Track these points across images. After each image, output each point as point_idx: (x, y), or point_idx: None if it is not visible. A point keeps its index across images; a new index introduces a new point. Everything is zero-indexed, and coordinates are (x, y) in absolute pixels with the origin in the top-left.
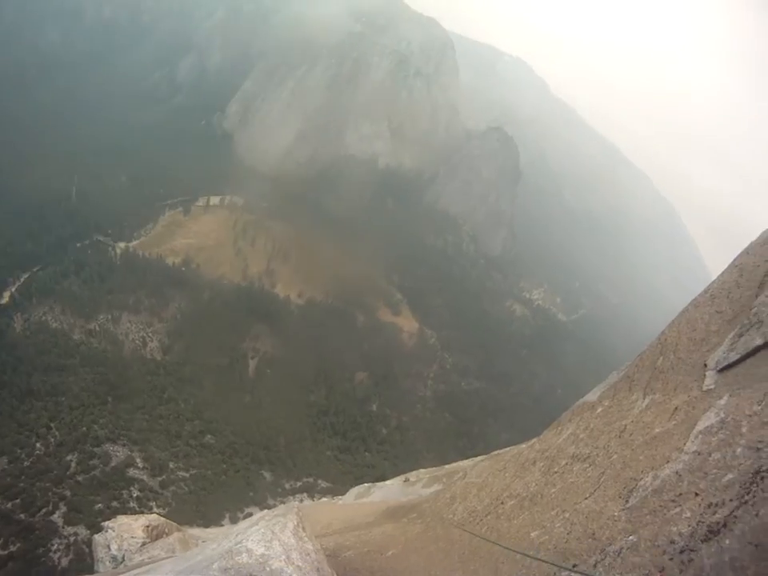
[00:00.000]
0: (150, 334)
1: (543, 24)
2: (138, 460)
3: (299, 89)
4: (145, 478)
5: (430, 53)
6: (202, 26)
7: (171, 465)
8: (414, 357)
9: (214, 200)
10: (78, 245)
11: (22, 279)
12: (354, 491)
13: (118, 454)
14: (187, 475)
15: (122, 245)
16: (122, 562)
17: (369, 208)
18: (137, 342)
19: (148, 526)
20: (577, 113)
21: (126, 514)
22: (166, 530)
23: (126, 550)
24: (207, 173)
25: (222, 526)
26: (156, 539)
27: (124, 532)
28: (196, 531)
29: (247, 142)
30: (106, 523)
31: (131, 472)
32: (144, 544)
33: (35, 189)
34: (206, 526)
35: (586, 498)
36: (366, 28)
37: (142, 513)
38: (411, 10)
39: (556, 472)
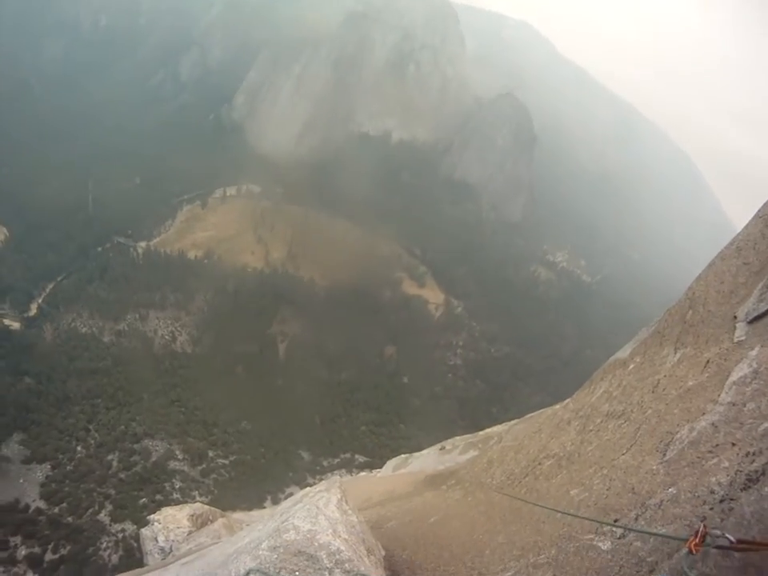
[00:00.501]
0: (178, 328)
1: None
2: (177, 452)
3: (305, 74)
4: (185, 468)
5: (434, 25)
6: (200, 21)
7: (210, 453)
8: (442, 327)
9: (231, 190)
10: (99, 249)
11: (48, 290)
12: (392, 463)
13: (157, 448)
14: (227, 462)
15: (142, 244)
16: (170, 553)
17: (385, 184)
18: (166, 337)
19: (192, 515)
20: (586, 72)
21: (170, 505)
22: (211, 517)
23: (173, 541)
24: (221, 165)
25: (265, 507)
26: (201, 527)
27: (170, 523)
28: (240, 515)
29: (258, 131)
30: (152, 516)
31: (172, 464)
32: (190, 533)
33: (51, 200)
34: (249, 509)
35: (623, 454)
36: (367, 7)
37: (186, 503)
38: None
39: (591, 430)
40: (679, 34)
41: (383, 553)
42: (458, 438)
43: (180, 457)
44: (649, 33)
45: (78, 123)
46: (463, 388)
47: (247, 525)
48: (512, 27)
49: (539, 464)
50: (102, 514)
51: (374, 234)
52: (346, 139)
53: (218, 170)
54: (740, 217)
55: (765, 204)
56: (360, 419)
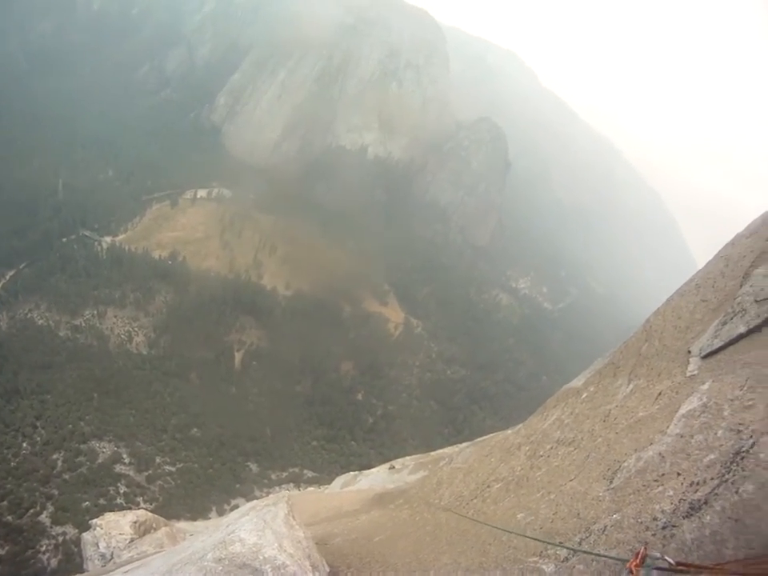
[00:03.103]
0: (135, 329)
1: (533, 16)
2: (124, 456)
3: (289, 81)
4: (131, 473)
5: (421, 45)
6: (191, 18)
7: (158, 459)
8: (400, 346)
9: (202, 192)
10: (64, 240)
11: (8, 276)
12: (341, 480)
13: (104, 450)
14: (174, 469)
15: (107, 239)
16: (110, 560)
17: (357, 199)
18: (122, 336)
19: (135, 522)
20: (566, 104)
21: (113, 510)
22: (154, 525)
23: (114, 548)
24: (195, 165)
25: (209, 519)
26: (144, 535)
27: (112, 529)
28: (183, 525)
29: (236, 134)
30: (94, 521)
31: (118, 468)
32: (132, 540)
33: (21, 183)
34: (194, 520)
35: (571, 480)
36: (358, 21)
37: (130, 509)
38: (403, 2)
39: (541, 456)
40: (669, 84)
41: (328, 569)
42: (408, 457)
43: (127, 461)
44: (633, 72)
45: (60, 105)
46: (417, 408)
47: (191, 535)
48: (497, 55)
49: (488, 487)
50: (43, 515)
51: (342, 248)
52: (323, 150)
53: (192, 171)
54: (704, 255)
55: (726, 245)
56: (311, 434)
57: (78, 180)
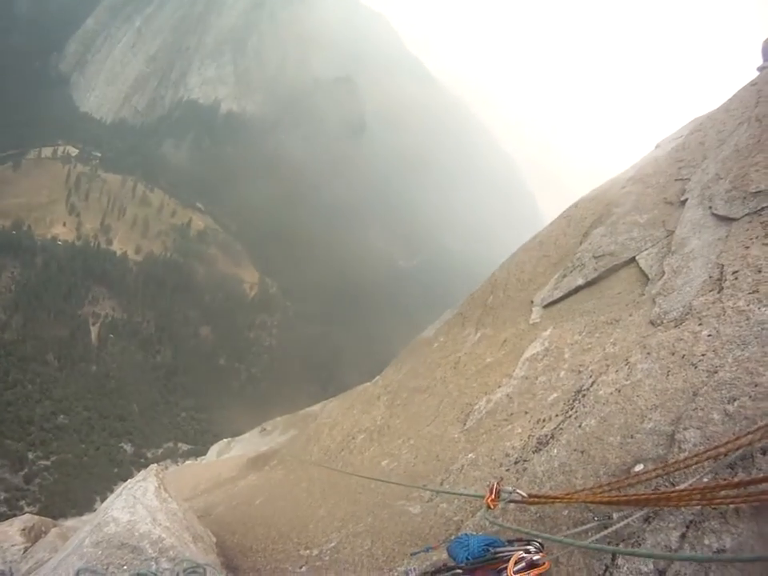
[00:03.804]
0: None
1: None
2: None
3: (145, 28)
4: (7, 475)
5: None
6: None
7: (30, 455)
8: (257, 307)
9: (46, 151)
10: None
11: None
12: (215, 448)
13: None
14: (48, 463)
15: None
16: (12, 575)
17: (208, 156)
18: None
19: (24, 529)
20: (429, 71)
21: None
22: (44, 528)
23: (11, 561)
24: (40, 120)
25: (95, 510)
26: (36, 541)
27: (2, 542)
28: (73, 522)
29: (84, 86)
30: None
31: None
32: (26, 549)
33: None
34: (81, 515)
35: (428, 425)
36: None
37: (15, 515)
38: None
39: (399, 404)
40: (531, 52)
41: (214, 539)
42: (278, 418)
43: None
44: (497, 39)
45: None
46: (280, 368)
47: None
48: (365, 15)
49: (353, 438)
50: None
51: (192, 207)
52: (174, 105)
53: (36, 126)
54: (552, 215)
55: (570, 206)
56: (179, 405)
57: None
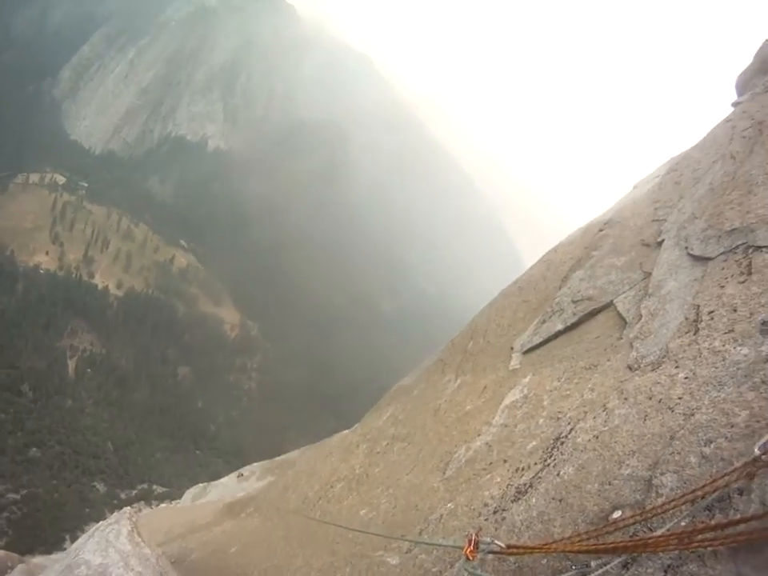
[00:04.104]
0: None
1: (392, 24)
2: None
3: (138, 60)
4: None
5: (280, 38)
6: None
7: (0, 487)
8: (237, 349)
9: (34, 177)
10: None
11: None
12: (191, 492)
13: None
14: (18, 497)
15: None
16: None
17: (193, 192)
18: None
19: None
20: (415, 115)
21: None
22: (9, 564)
23: None
24: (30, 146)
25: (65, 549)
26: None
27: None
28: (40, 560)
29: (76, 114)
30: None
31: None
32: None
33: None
34: (49, 553)
35: (407, 474)
36: (221, 4)
37: None
38: None
39: (378, 452)
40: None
41: None
42: (255, 464)
43: None
44: (486, 87)
45: None
46: (259, 412)
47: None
48: (353, 58)
49: (331, 487)
50: None
51: (175, 244)
52: (163, 140)
53: (26, 152)
54: (531, 259)
55: (549, 251)
56: (154, 445)
57: None
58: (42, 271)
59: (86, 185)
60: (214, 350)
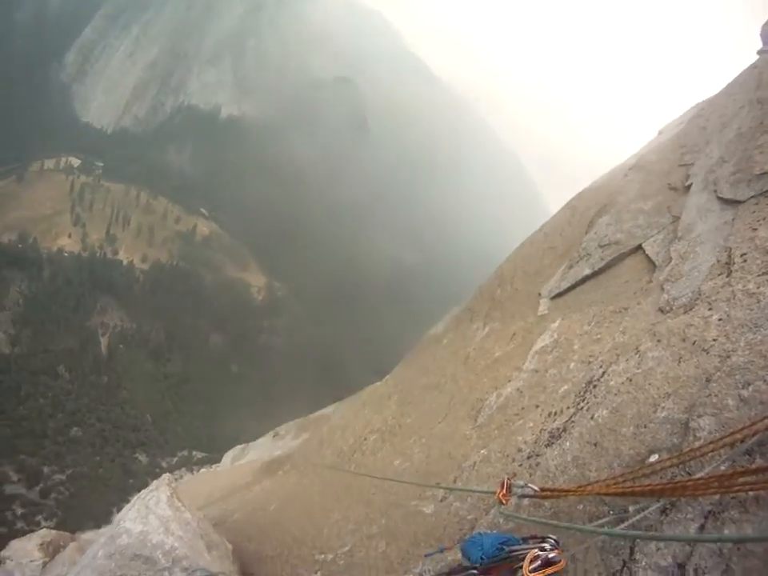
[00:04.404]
0: None
1: None
2: (10, 473)
3: (143, 36)
4: (23, 491)
5: (285, 1)
6: None
7: (45, 469)
8: (266, 310)
9: (49, 163)
10: None
11: None
12: (230, 455)
13: None
14: (64, 477)
15: None
16: None
17: (209, 161)
18: None
19: (42, 544)
20: (428, 67)
21: (17, 537)
22: (62, 543)
23: None
24: (42, 131)
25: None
26: (55, 555)
27: (22, 558)
28: (90, 535)
29: (85, 95)
30: (2, 554)
31: (8, 488)
32: (45, 564)
33: None
34: (98, 527)
35: (439, 423)
36: None
37: (33, 531)
38: None
39: (410, 402)
40: (525, 50)
41: (230, 547)
42: (290, 422)
43: (15, 478)
44: (495, 39)
45: None
46: (291, 372)
47: None
48: (363, 15)
49: (365, 440)
50: None
51: (196, 213)
52: (175, 111)
53: (39, 138)
54: (557, 205)
55: (574, 197)
56: (192, 413)
57: None
58: (66, 254)
59: (102, 164)
60: (242, 315)
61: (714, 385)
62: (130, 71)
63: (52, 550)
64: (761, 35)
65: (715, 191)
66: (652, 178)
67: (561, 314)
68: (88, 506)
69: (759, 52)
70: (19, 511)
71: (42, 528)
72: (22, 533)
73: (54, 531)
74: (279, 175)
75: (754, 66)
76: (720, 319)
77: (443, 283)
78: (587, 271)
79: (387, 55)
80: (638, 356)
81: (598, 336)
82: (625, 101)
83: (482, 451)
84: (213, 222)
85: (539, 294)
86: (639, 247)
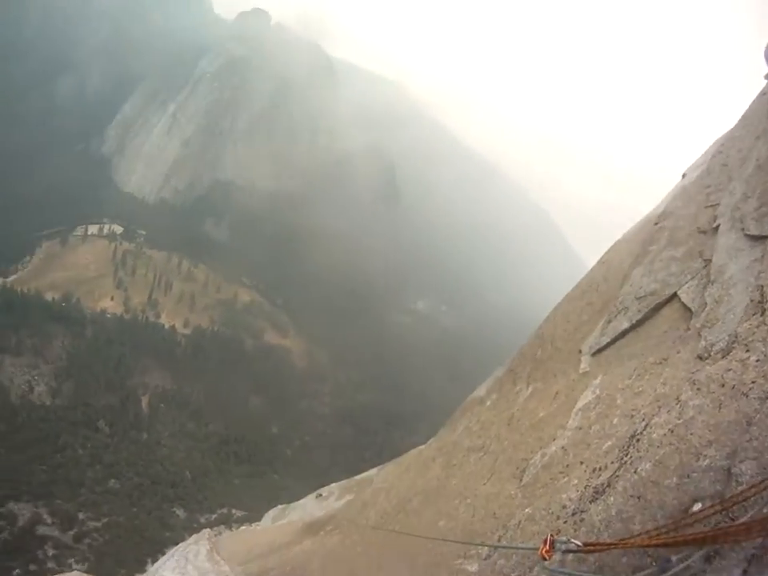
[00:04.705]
0: (35, 377)
1: (421, 47)
2: (44, 515)
3: (179, 113)
4: (56, 533)
5: (313, 78)
6: (84, 44)
7: (81, 515)
8: (307, 376)
9: (93, 229)
10: None
11: None
12: (270, 515)
13: (23, 511)
14: (99, 525)
15: None
16: None
17: (248, 232)
18: (23, 387)
19: None
20: (454, 135)
21: None
22: None
23: None
24: (85, 200)
25: (146, 571)
26: None
27: None
28: None
29: (125, 168)
30: None
31: (41, 530)
32: None
33: None
34: (131, 575)
35: (484, 483)
36: (251, 52)
37: (62, 572)
38: (296, 36)
39: (455, 464)
40: (552, 107)
41: None
42: (333, 484)
43: (48, 521)
44: (520, 101)
45: None
46: (334, 435)
47: None
48: (385, 85)
49: (409, 501)
50: None
51: (237, 282)
52: (213, 184)
53: (82, 205)
54: (590, 259)
55: (607, 251)
56: (232, 472)
57: None
58: (108, 315)
59: (144, 232)
60: (283, 379)
61: (755, 428)
62: (168, 146)
63: None
64: (765, 57)
65: (742, 229)
66: (681, 223)
67: (602, 370)
68: (121, 555)
69: (766, 76)
70: (51, 552)
71: (73, 571)
72: (52, 572)
73: (85, 575)
74: (315, 245)
75: (763, 93)
76: (758, 360)
77: (484, 344)
78: (626, 325)
79: (411, 124)
80: (678, 406)
81: (640, 389)
82: (652, 145)
83: (526, 510)
84: (253, 290)
85: (580, 351)
86: (675, 295)
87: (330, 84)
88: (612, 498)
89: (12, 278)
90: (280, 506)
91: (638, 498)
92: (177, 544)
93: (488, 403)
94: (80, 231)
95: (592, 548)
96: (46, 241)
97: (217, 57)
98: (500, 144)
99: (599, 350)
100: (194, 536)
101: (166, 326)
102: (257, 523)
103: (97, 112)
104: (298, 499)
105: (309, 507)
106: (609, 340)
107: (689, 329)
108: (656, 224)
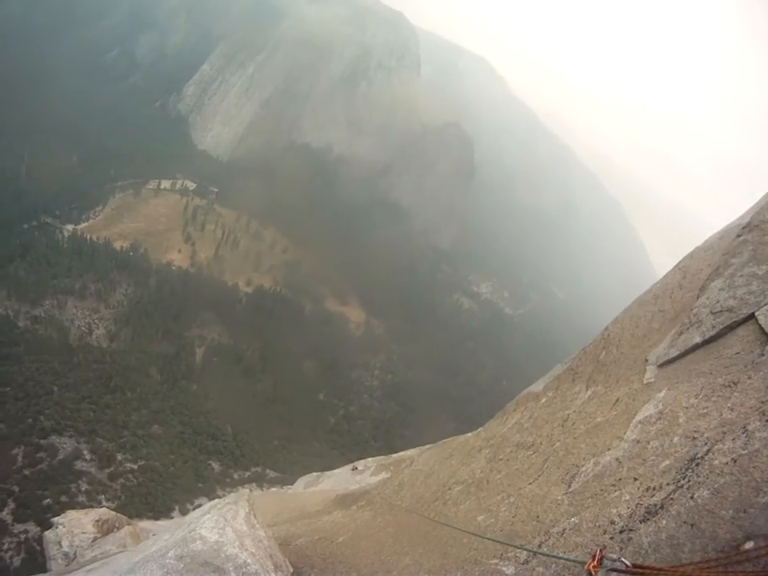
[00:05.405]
0: (96, 321)
1: (507, 24)
2: (85, 452)
3: (258, 74)
4: (93, 470)
5: (394, 46)
6: (166, 2)
7: (119, 456)
8: (361, 347)
9: (165, 183)
10: (25, 226)
11: None
12: (303, 480)
13: (65, 445)
14: (135, 467)
15: (69, 227)
16: (74, 559)
17: (320, 197)
18: (83, 328)
19: (98, 521)
20: (533, 113)
21: (75, 508)
22: (117, 524)
23: (77, 546)
24: (160, 156)
25: (172, 518)
26: (107, 534)
27: (74, 527)
28: (146, 524)
29: (201, 126)
30: (56, 519)
31: (79, 465)
32: (95, 539)
33: None
34: (156, 519)
35: (530, 483)
36: (332, 18)
37: (92, 507)
38: (379, 3)
39: (501, 459)
40: (634, 100)
41: (291, 570)
42: (370, 459)
43: (88, 457)
44: (602, 87)
45: (22, 86)
46: (378, 409)
47: (154, 534)
48: (469, 60)
49: (449, 489)
50: (4, 512)
51: (303, 245)
52: (288, 147)
53: (157, 160)
54: (661, 261)
55: (685, 257)
56: (273, 433)
57: (41, 165)
58: (174, 267)
59: (216, 190)
60: (337, 347)
61: None
62: (246, 106)
63: (106, 529)
64: None
65: None
66: (766, 238)
67: (668, 384)
68: (151, 497)
69: None
70: (84, 487)
71: (102, 507)
72: (81, 506)
73: (113, 512)
74: (385, 216)
75: None
76: None
77: (540, 338)
78: (698, 339)
79: (493, 101)
80: (745, 435)
81: (705, 410)
82: (740, 154)
83: (572, 519)
84: (319, 255)
85: (646, 360)
86: (752, 316)
87: (412, 54)
88: (664, 522)
89: (83, 225)
90: (314, 474)
91: (692, 525)
92: (207, 495)
93: (543, 400)
94: (153, 185)
95: (641, 570)
96: (120, 192)
97: (298, 21)
98: (578, 128)
99: (667, 362)
100: (233, 495)
101: (229, 283)
102: (288, 486)
103: (176, 70)
104: (332, 468)
105: (343, 478)
106: (678, 353)
107: (763, 355)
108: (739, 236)
